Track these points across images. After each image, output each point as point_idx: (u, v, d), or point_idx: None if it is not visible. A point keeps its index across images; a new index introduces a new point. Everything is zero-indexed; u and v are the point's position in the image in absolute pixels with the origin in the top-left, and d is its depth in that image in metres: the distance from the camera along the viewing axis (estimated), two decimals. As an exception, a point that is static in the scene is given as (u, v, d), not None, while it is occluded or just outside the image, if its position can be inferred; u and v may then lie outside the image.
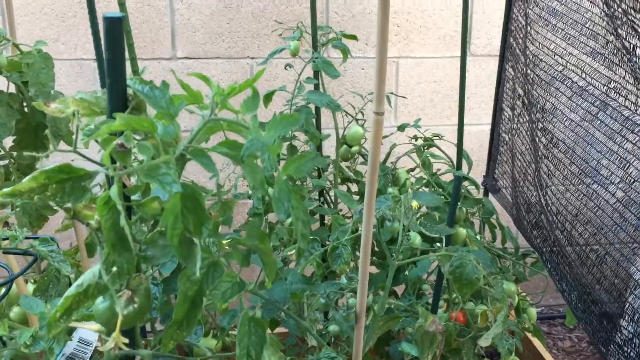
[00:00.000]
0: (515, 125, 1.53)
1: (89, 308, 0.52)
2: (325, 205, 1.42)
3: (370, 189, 0.71)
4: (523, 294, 1.36)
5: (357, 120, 1.43)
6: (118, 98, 0.54)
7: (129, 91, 0.56)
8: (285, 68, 1.35)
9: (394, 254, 0.85)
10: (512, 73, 1.55)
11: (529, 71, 1.40)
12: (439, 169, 1.43)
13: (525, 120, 1.46)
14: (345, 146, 1.43)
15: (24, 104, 1.10)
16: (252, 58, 1.84)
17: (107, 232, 0.49)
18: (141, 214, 0.55)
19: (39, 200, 0.50)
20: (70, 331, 0.76)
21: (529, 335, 1.65)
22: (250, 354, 0.55)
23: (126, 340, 0.49)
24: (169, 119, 0.53)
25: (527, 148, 1.45)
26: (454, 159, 1.25)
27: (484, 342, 0.94)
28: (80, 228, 1.13)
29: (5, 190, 0.51)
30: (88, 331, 0.80)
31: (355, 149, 1.41)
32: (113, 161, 0.52)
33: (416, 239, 1.03)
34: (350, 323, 0.87)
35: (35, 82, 1.06)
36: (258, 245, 0.58)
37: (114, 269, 0.49)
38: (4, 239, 0.77)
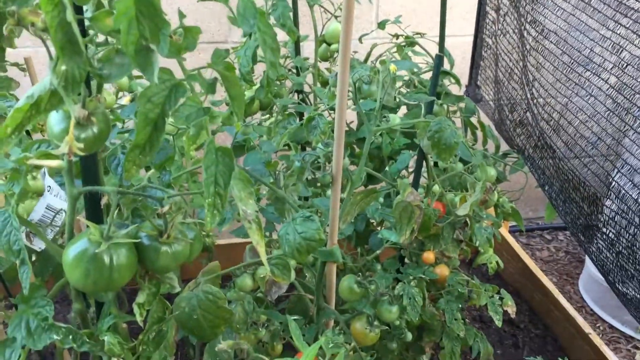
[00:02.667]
0: (500, 25, 1.49)
1: (41, 122, 0.49)
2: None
3: (345, 38, 0.67)
4: (502, 191, 1.36)
5: (336, 17, 1.37)
6: None
7: None
8: (260, -42, 1.28)
9: (371, 123, 0.83)
10: (497, -28, 1.50)
11: (516, -36, 1.35)
12: (420, 67, 1.39)
13: (512, 18, 1.42)
14: (324, 45, 1.38)
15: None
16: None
17: (55, 31, 0.45)
18: (95, 32, 0.51)
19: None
20: (36, 193, 0.72)
21: (510, 242, 1.66)
22: (218, 181, 0.52)
23: (81, 146, 0.46)
24: None
25: (515, 46, 1.41)
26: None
27: (462, 210, 0.93)
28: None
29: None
30: (56, 199, 0.77)
31: (334, 47, 1.36)
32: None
33: (395, 120, 1.00)
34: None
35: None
36: (223, 72, 0.55)
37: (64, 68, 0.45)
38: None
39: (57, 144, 0.51)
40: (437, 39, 1.15)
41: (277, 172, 0.83)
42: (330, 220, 0.80)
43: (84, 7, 0.51)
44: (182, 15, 0.58)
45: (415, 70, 1.37)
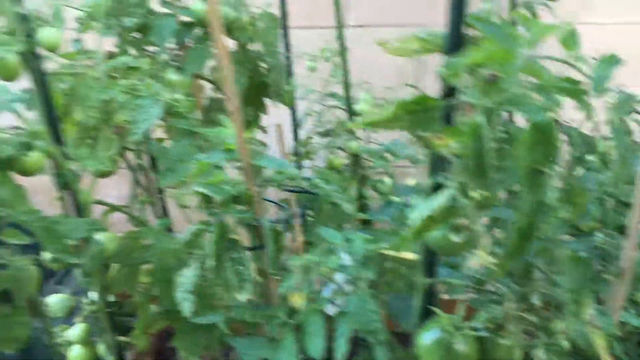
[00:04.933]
0: None
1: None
2: None
3: None
4: None
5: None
6: (456, 36, 0.56)
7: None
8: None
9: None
10: None
11: None
12: None
13: None
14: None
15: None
16: (422, 25, 1.83)
17: (469, 159, 0.51)
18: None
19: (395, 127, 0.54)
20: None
21: None
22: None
23: (494, 261, 0.52)
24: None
25: None
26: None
27: None
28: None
29: (365, 119, 0.55)
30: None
31: None
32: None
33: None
34: None
35: (264, 41, 1.12)
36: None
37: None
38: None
39: (436, 246, 0.57)
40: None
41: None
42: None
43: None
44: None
45: None
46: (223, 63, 0.73)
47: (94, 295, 1.12)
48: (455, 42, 0.57)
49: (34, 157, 0.89)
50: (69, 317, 1.11)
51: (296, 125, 1.42)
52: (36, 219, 0.76)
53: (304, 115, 1.42)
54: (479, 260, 0.51)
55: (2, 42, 0.84)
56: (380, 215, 0.88)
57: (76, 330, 1.11)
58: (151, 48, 1.11)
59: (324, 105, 1.39)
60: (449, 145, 0.53)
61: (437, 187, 0.60)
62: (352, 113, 1.33)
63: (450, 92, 0.56)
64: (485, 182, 0.51)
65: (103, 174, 1.05)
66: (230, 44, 1.14)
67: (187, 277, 0.72)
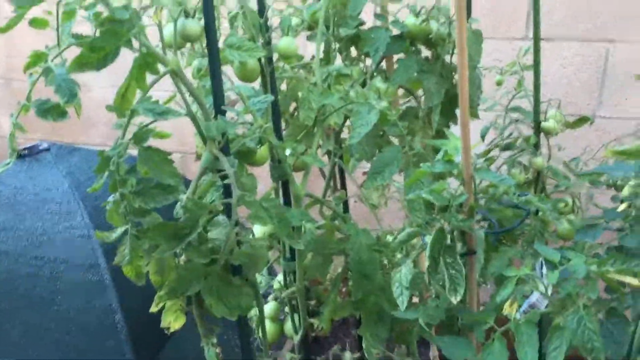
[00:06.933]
0: None
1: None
2: None
3: None
4: None
5: None
6: None
7: None
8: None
9: None
10: None
11: None
12: None
13: None
14: None
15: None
16: (611, 41, 1.76)
17: None
18: None
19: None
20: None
21: None
22: None
23: None
24: None
25: None
26: None
27: None
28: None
29: (618, 149, 0.58)
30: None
31: None
32: None
33: None
34: None
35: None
36: None
37: None
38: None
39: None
40: None
41: None
42: None
43: None
44: None
45: None
46: (462, 80, 0.79)
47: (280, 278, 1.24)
48: None
49: (262, 150, 1.01)
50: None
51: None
52: (273, 205, 0.86)
53: (485, 127, 1.43)
54: None
55: (248, 48, 0.96)
56: (584, 237, 0.89)
57: (268, 307, 1.24)
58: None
59: (510, 118, 1.39)
60: None
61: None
62: (539, 129, 1.32)
63: None
64: None
65: (296, 169, 1.16)
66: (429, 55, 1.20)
67: (403, 274, 0.79)
